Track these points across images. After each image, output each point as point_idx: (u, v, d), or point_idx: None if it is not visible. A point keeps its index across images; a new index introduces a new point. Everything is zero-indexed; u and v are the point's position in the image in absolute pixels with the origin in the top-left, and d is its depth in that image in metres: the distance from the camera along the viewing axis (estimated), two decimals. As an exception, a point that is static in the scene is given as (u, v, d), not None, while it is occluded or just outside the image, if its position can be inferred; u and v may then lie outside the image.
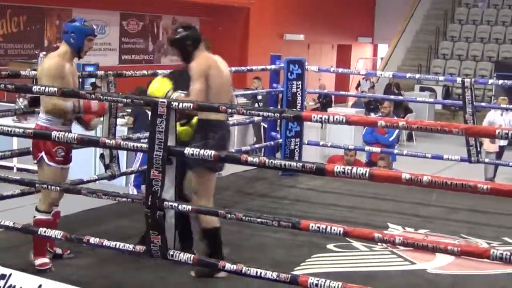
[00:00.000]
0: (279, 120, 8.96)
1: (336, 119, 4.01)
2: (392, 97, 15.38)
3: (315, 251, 5.69)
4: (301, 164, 4.05)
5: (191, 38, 5.16)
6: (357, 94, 19.63)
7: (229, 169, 7.24)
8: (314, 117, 4.09)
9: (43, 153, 4.99)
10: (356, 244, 5.93)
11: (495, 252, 3.57)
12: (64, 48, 5.08)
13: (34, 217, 5.04)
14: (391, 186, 6.34)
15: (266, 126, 11.83)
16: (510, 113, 13.17)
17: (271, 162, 4.10)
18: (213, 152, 4.27)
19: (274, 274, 4.09)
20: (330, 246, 5.86)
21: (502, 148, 12.99)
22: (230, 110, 4.40)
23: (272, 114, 4.19)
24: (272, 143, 9.11)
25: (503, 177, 12.25)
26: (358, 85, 23.84)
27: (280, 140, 8.82)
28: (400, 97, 15.25)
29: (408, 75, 9.46)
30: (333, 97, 21.98)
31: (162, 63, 21.41)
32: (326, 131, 15.27)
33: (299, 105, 8.52)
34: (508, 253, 3.53)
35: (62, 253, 5.28)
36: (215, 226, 4.99)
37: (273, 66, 8.82)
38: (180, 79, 5.42)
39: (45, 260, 4.99)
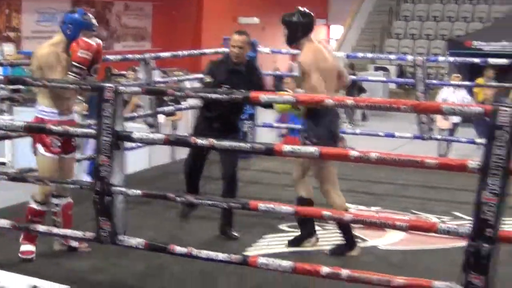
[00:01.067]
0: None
1: (286, 99, 4.00)
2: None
3: (268, 232, 5.70)
4: (250, 145, 4.04)
5: (302, 25, 5.24)
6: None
7: (183, 153, 7.22)
8: (262, 98, 4.07)
9: (38, 144, 4.97)
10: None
11: (442, 226, 3.60)
12: (59, 37, 5.01)
13: (29, 204, 4.99)
14: (343, 165, 6.36)
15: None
16: (462, 90, 13.30)
17: (220, 144, 4.07)
18: (162, 137, 4.25)
19: (225, 256, 4.07)
20: (283, 226, 5.87)
21: (455, 125, 13.12)
22: (179, 93, 4.37)
23: (220, 96, 4.17)
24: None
25: (456, 153, 12.37)
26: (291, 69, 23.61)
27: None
28: (353, 77, 15.28)
29: (360, 54, 9.52)
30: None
31: (115, 49, 21.22)
32: (281, 113, 15.24)
33: (252, 87, 8.48)
34: (455, 227, 3.56)
35: (77, 246, 5.20)
36: None
37: (226, 49, 8.76)
38: (217, 72, 5.65)
39: (31, 248, 4.95)
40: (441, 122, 12.69)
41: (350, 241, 5.28)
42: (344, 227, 5.24)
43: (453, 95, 13.03)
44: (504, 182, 3.33)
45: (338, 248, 5.34)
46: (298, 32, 5.22)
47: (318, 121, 5.13)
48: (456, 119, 12.88)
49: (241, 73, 5.66)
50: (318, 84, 5.04)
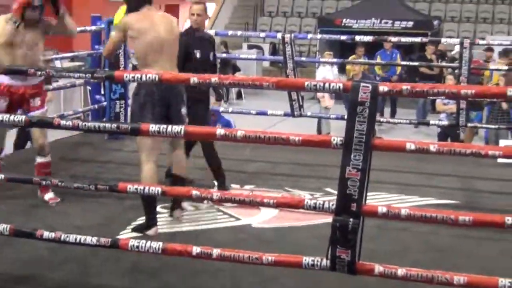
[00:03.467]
0: (103, 83, 8.78)
1: (149, 77, 3.92)
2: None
3: (142, 214, 5.62)
4: (115, 125, 3.95)
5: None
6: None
7: (52, 135, 7.03)
8: (126, 76, 3.99)
9: None
10: (183, 204, 5.91)
11: (309, 202, 3.64)
12: None
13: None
14: (218, 144, 6.38)
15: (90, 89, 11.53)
16: (335, 67, 13.63)
17: (84, 124, 3.95)
18: (24, 118, 4.10)
19: (94, 240, 3.98)
20: (158, 208, 5.81)
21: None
22: (39, 73, 4.22)
23: (84, 75, 4.05)
24: (96, 106, 8.89)
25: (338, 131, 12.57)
26: None
27: (105, 103, 8.65)
28: (223, 55, 15.39)
29: (230, 32, 9.53)
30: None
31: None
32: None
33: (122, 66, 8.36)
34: (321, 202, 3.61)
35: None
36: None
37: (93, 28, 8.61)
38: (190, 40, 6.02)
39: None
40: (329, 101, 12.84)
41: (148, 220, 5.23)
42: (146, 204, 5.20)
43: (330, 72, 13.34)
44: (366, 157, 3.40)
45: (139, 226, 5.29)
46: (130, 3, 5.38)
47: (140, 91, 5.16)
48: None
49: (207, 39, 6.26)
50: (112, 39, 5.34)
